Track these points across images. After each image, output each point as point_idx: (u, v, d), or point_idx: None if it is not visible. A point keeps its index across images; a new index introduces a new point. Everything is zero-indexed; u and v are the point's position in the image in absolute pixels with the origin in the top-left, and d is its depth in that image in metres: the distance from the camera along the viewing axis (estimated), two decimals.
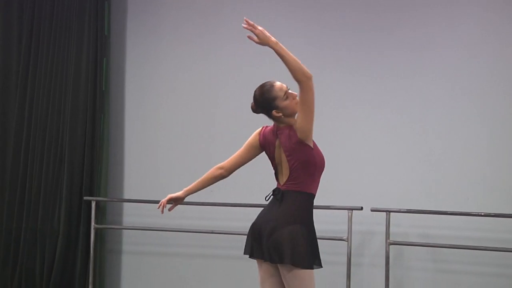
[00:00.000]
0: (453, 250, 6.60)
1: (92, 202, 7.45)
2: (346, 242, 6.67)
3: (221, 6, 7.62)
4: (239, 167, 4.86)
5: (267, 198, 4.64)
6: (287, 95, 4.49)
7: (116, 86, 7.85)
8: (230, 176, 7.49)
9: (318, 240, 4.48)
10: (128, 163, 7.81)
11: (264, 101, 4.52)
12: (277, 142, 4.56)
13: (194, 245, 7.48)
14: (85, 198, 7.53)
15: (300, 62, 4.29)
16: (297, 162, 4.45)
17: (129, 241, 7.75)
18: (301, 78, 4.30)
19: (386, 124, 6.98)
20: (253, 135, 4.77)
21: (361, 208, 6.58)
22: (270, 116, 4.54)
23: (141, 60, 7.82)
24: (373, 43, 7.09)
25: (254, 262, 7.40)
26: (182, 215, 7.44)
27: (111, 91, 7.83)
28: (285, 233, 4.37)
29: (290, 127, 4.47)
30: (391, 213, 6.56)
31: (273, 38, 4.43)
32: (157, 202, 7.35)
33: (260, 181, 7.24)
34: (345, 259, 6.66)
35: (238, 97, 7.44)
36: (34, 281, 7.66)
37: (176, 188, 7.50)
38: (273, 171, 4.65)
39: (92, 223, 7.45)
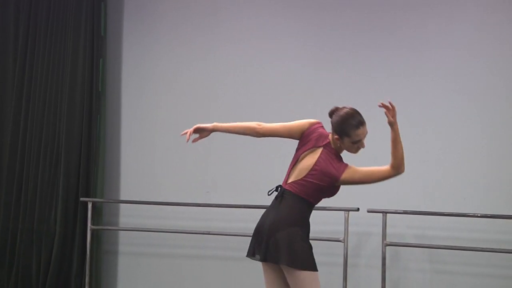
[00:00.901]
0: (450, 251, 6.60)
1: (89, 203, 7.44)
2: (343, 243, 6.66)
3: (218, 6, 7.61)
4: (271, 137, 4.77)
5: (269, 193, 4.67)
6: (358, 143, 4.50)
7: (113, 86, 7.84)
8: (227, 177, 7.51)
9: (314, 241, 4.50)
10: (125, 164, 7.80)
11: (338, 126, 4.46)
12: (314, 148, 4.53)
13: (191, 246, 7.48)
14: (81, 199, 7.51)
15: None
16: (316, 183, 4.46)
17: (126, 242, 7.74)
18: (395, 166, 4.49)
19: (382, 124, 6.96)
20: (305, 121, 4.67)
21: (358, 209, 6.58)
22: (332, 134, 4.50)
23: (138, 60, 7.82)
24: (371, 43, 7.09)
25: (250, 263, 7.39)
26: (178, 216, 7.44)
27: (108, 91, 7.82)
28: (284, 235, 4.39)
29: (338, 154, 4.51)
30: (387, 214, 6.56)
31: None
32: (153, 203, 7.41)
33: (257, 183, 7.26)
34: (341, 260, 6.66)
35: (236, 98, 7.45)
36: (31, 282, 7.65)
37: (172, 189, 7.55)
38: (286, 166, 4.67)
39: (89, 224, 7.43)
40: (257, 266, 7.22)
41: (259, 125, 4.72)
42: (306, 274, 4.37)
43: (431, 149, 6.85)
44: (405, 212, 6.60)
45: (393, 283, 6.85)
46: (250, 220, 7.20)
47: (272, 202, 4.61)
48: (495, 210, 6.45)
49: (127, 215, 7.73)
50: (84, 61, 7.68)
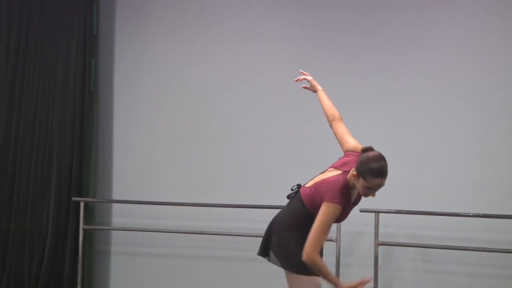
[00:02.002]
0: (442, 250, 6.61)
1: (81, 202, 7.43)
2: (335, 243, 6.67)
3: (212, 7, 7.60)
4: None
5: (293, 188, 4.69)
6: (370, 190, 4.37)
7: (105, 86, 7.83)
8: (220, 177, 7.51)
9: None
10: (117, 164, 7.79)
11: (360, 165, 4.32)
12: (337, 169, 4.54)
13: (183, 246, 7.47)
14: (73, 198, 7.50)
15: None
16: (315, 205, 4.45)
17: (118, 242, 7.73)
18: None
19: (374, 124, 6.99)
20: (353, 143, 4.77)
21: None
22: (354, 171, 4.41)
23: (130, 60, 7.80)
24: (361, 44, 7.10)
25: (243, 263, 7.42)
26: (171, 216, 7.44)
27: (100, 91, 7.80)
28: (283, 237, 4.47)
29: (347, 188, 4.43)
30: (380, 213, 6.57)
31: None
32: (145, 203, 7.41)
33: (250, 183, 7.27)
34: (334, 259, 6.67)
35: (228, 98, 7.44)
36: (23, 282, 7.63)
37: (164, 189, 7.54)
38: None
39: (81, 224, 7.43)
40: (250, 265, 7.27)
41: (337, 122, 4.85)
42: (304, 279, 4.41)
43: (423, 149, 6.86)
44: (398, 212, 6.61)
45: (385, 283, 6.85)
46: (243, 220, 7.27)
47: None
48: (488, 209, 6.47)
49: (119, 215, 7.71)
50: (76, 61, 7.67)
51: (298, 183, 4.72)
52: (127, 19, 7.85)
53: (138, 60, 7.78)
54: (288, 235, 4.45)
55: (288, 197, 4.67)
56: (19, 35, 7.91)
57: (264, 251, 4.63)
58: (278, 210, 6.77)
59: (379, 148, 6.81)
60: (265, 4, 7.47)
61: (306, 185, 4.59)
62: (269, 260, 4.60)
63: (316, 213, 4.35)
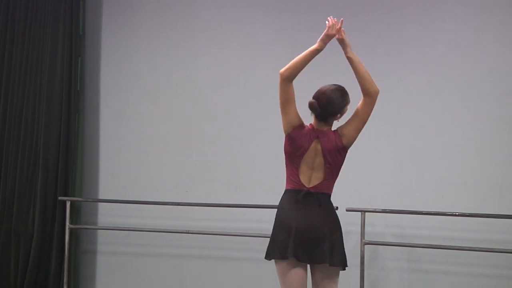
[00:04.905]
0: (428, 249, 6.63)
1: (67, 202, 7.41)
2: None
3: (200, 7, 7.60)
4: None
5: (299, 197, 4.57)
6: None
7: (91, 86, 7.81)
8: (206, 176, 7.50)
9: None
10: (103, 163, 7.78)
11: (338, 104, 4.54)
12: (313, 145, 4.56)
13: (169, 245, 7.47)
14: (59, 198, 7.47)
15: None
16: (335, 166, 4.57)
17: (104, 241, 7.71)
18: (367, 90, 4.55)
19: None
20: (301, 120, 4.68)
21: (336, 208, 6.52)
22: (331, 119, 4.58)
23: (116, 59, 7.79)
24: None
25: (229, 262, 7.42)
26: (157, 215, 7.43)
27: (86, 90, 7.79)
28: (339, 236, 4.59)
29: (334, 132, 4.58)
30: (366, 213, 6.58)
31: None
32: (132, 202, 7.39)
33: (235, 181, 7.28)
34: None
35: (215, 98, 7.45)
36: (9, 281, 7.61)
37: (151, 188, 7.53)
38: (286, 171, 4.72)
39: (67, 223, 7.40)
40: (236, 264, 7.27)
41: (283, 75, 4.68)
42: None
43: (410, 148, 6.88)
44: (384, 211, 6.63)
45: (372, 282, 6.87)
46: (229, 219, 7.27)
47: (303, 204, 4.62)
48: (474, 209, 6.50)
49: (105, 214, 7.70)
50: (62, 60, 7.64)
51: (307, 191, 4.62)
52: (114, 18, 7.84)
53: (125, 59, 7.77)
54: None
55: (318, 204, 4.58)
56: (5, 34, 7.89)
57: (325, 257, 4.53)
58: (264, 210, 6.79)
59: (367, 147, 6.87)
60: (252, 6, 7.46)
61: (315, 187, 4.57)
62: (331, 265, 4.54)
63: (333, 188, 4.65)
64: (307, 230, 4.49)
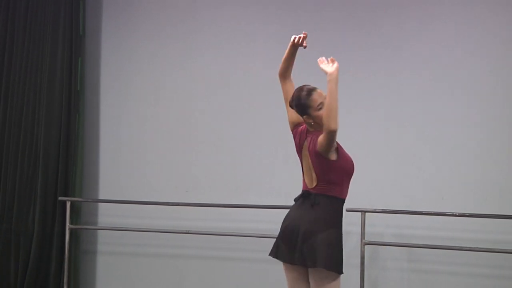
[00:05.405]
0: (428, 250, 6.62)
1: (67, 202, 7.40)
2: None
3: (199, 6, 7.59)
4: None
5: (296, 197, 4.60)
6: (321, 106, 4.40)
7: (91, 86, 7.81)
8: (206, 176, 7.50)
9: None
10: (103, 163, 7.77)
11: (298, 105, 4.48)
12: (305, 144, 4.56)
13: (169, 246, 7.46)
14: (59, 198, 7.47)
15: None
16: (321, 169, 4.45)
17: (104, 242, 7.71)
18: (328, 126, 4.23)
19: (360, 123, 6.99)
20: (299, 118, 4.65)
21: None
22: (306, 119, 4.51)
23: (116, 59, 7.79)
24: (349, 42, 7.10)
25: (230, 263, 7.42)
26: (157, 216, 7.43)
27: (86, 90, 7.78)
28: (321, 238, 4.39)
29: (319, 133, 4.42)
30: (366, 213, 6.57)
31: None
32: (132, 202, 7.39)
33: (235, 181, 7.27)
34: None
35: (216, 98, 7.44)
36: (9, 281, 7.61)
37: (151, 188, 7.53)
38: (300, 171, 4.67)
39: (67, 224, 7.40)
40: (236, 265, 7.27)
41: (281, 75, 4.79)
42: (337, 278, 4.49)
43: (410, 148, 6.87)
44: (384, 211, 6.62)
45: (372, 282, 6.86)
46: (229, 220, 7.26)
47: (299, 205, 4.59)
48: (474, 209, 6.49)
49: (105, 215, 7.70)
50: (62, 60, 7.64)
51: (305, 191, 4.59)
52: (114, 18, 7.83)
53: (125, 59, 7.76)
54: (335, 232, 4.52)
55: (311, 204, 4.50)
56: (5, 34, 7.88)
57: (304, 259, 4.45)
58: (263, 210, 6.80)
59: (368, 147, 6.87)
60: (252, 4, 7.46)
61: (314, 188, 4.52)
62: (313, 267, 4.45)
63: (339, 191, 4.55)
64: (287, 230, 4.49)
